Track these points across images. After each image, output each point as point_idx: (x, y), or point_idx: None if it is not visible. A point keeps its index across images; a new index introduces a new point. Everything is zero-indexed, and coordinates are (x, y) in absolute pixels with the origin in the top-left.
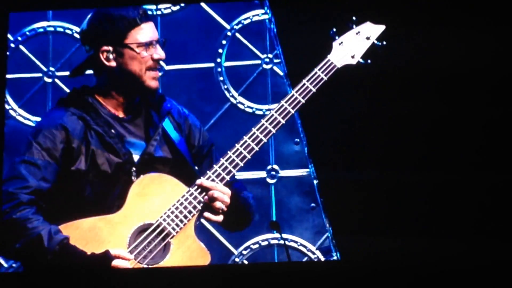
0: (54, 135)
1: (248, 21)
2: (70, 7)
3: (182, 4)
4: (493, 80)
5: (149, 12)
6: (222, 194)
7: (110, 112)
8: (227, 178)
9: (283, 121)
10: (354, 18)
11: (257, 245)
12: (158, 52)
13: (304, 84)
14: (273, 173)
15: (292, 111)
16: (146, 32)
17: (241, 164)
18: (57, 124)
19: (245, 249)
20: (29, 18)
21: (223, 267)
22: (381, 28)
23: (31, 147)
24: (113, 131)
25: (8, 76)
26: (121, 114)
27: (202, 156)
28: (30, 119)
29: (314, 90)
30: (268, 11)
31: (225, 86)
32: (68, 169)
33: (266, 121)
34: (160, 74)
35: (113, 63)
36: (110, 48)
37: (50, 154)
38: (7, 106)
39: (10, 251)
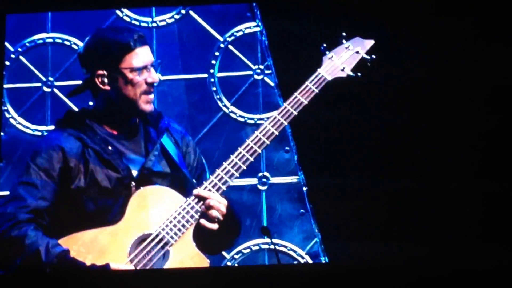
0: (51, 155)
1: (241, 33)
2: (66, 9)
3: (177, 17)
4: (482, 91)
5: (145, 24)
6: (218, 203)
7: (107, 131)
8: (224, 188)
9: (276, 133)
10: (343, 34)
11: (248, 250)
12: (152, 76)
13: (296, 97)
14: (264, 180)
15: (285, 123)
16: (140, 57)
17: (237, 174)
18: (54, 145)
19: (236, 253)
20: (29, 29)
21: (218, 269)
22: (370, 42)
23: (29, 169)
24: (110, 148)
25: (8, 85)
26: (118, 133)
27: (194, 178)
28: (30, 127)
29: (306, 102)
30: (259, 24)
31: (218, 96)
32: (68, 187)
33: (260, 132)
34: (152, 96)
35: (108, 87)
36: (105, 73)
37: (48, 174)
38: (7, 115)
39: (10, 268)
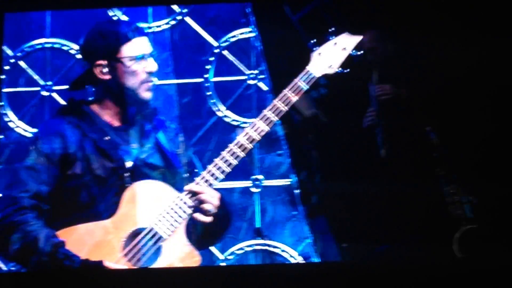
0: (52, 141)
1: (235, 39)
2: (63, 8)
3: (173, 23)
4: (481, 92)
5: None
6: (211, 197)
7: (106, 121)
8: (215, 183)
9: (266, 129)
10: (331, 29)
11: (241, 251)
12: (150, 65)
13: (285, 94)
14: (258, 182)
15: (275, 119)
16: (138, 46)
17: (228, 170)
18: (55, 131)
19: (230, 254)
20: (28, 35)
21: (214, 268)
22: (357, 38)
23: (31, 154)
24: (107, 138)
25: (7, 90)
26: (116, 123)
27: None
28: (29, 131)
29: (294, 99)
30: (254, 29)
31: (213, 100)
32: (65, 173)
33: (250, 129)
34: (151, 84)
35: (107, 77)
36: (104, 63)
37: (49, 159)
38: (6, 119)
39: (8, 252)
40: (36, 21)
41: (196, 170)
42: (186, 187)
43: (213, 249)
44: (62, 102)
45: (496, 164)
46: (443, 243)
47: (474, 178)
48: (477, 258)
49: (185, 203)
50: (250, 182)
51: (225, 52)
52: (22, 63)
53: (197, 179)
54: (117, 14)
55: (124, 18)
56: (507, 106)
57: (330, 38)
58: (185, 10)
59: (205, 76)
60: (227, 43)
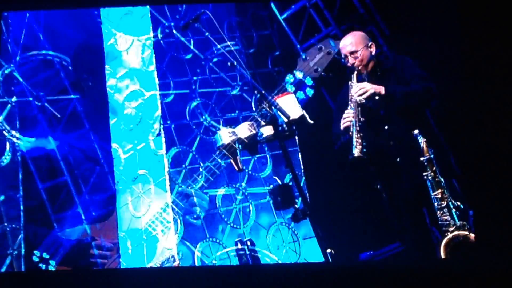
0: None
1: (221, 51)
2: (61, 7)
3: (160, 36)
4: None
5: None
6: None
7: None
8: (205, 185)
9: (251, 134)
10: (315, 35)
11: (225, 256)
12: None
13: (272, 97)
14: (242, 189)
15: (263, 123)
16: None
17: (217, 172)
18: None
19: (214, 259)
20: (22, 46)
21: (202, 268)
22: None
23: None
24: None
25: (1, 100)
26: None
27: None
28: (22, 139)
29: (280, 102)
30: (238, 42)
31: (199, 111)
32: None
33: (237, 133)
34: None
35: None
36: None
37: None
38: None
39: (2, 256)
40: (30, 33)
41: (187, 172)
42: (179, 189)
43: (198, 253)
44: (54, 111)
45: (486, 168)
46: (430, 248)
47: (463, 183)
48: (464, 262)
49: (177, 204)
50: (234, 189)
51: (212, 64)
52: (16, 74)
53: (189, 181)
54: (109, 26)
55: (115, 32)
56: (497, 111)
57: (315, 43)
58: (172, 23)
59: (192, 87)
60: (213, 55)
